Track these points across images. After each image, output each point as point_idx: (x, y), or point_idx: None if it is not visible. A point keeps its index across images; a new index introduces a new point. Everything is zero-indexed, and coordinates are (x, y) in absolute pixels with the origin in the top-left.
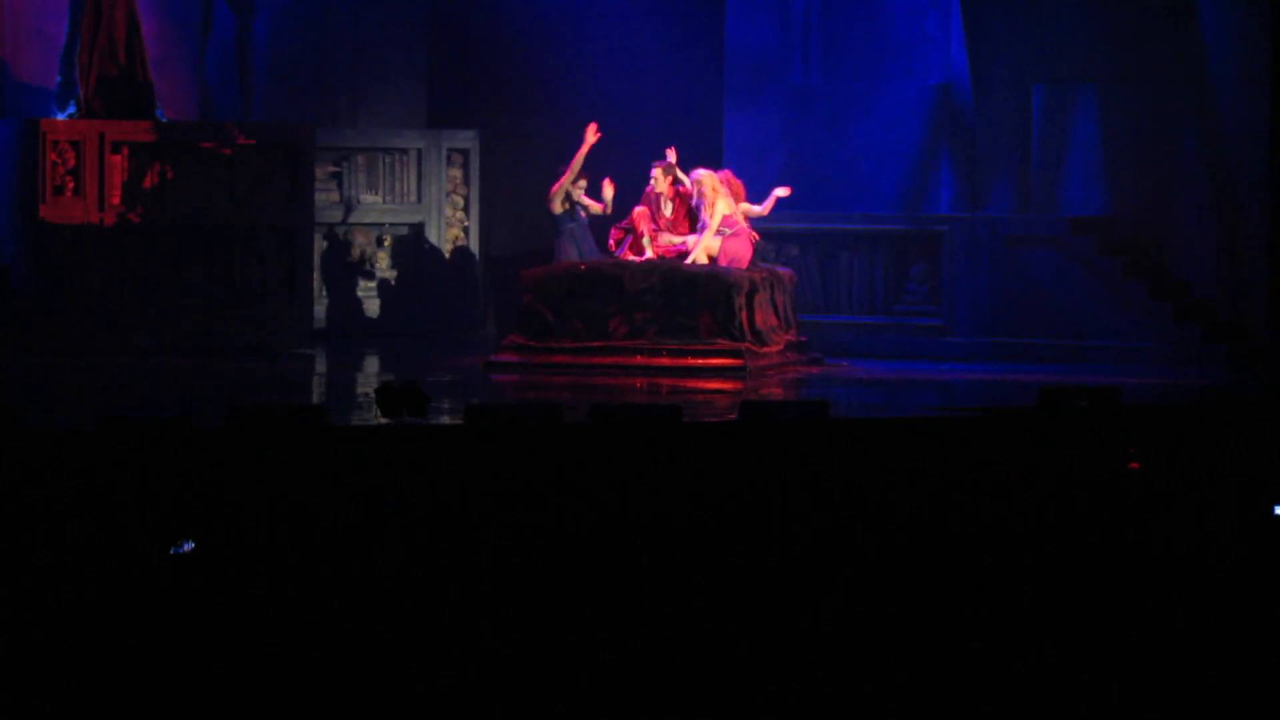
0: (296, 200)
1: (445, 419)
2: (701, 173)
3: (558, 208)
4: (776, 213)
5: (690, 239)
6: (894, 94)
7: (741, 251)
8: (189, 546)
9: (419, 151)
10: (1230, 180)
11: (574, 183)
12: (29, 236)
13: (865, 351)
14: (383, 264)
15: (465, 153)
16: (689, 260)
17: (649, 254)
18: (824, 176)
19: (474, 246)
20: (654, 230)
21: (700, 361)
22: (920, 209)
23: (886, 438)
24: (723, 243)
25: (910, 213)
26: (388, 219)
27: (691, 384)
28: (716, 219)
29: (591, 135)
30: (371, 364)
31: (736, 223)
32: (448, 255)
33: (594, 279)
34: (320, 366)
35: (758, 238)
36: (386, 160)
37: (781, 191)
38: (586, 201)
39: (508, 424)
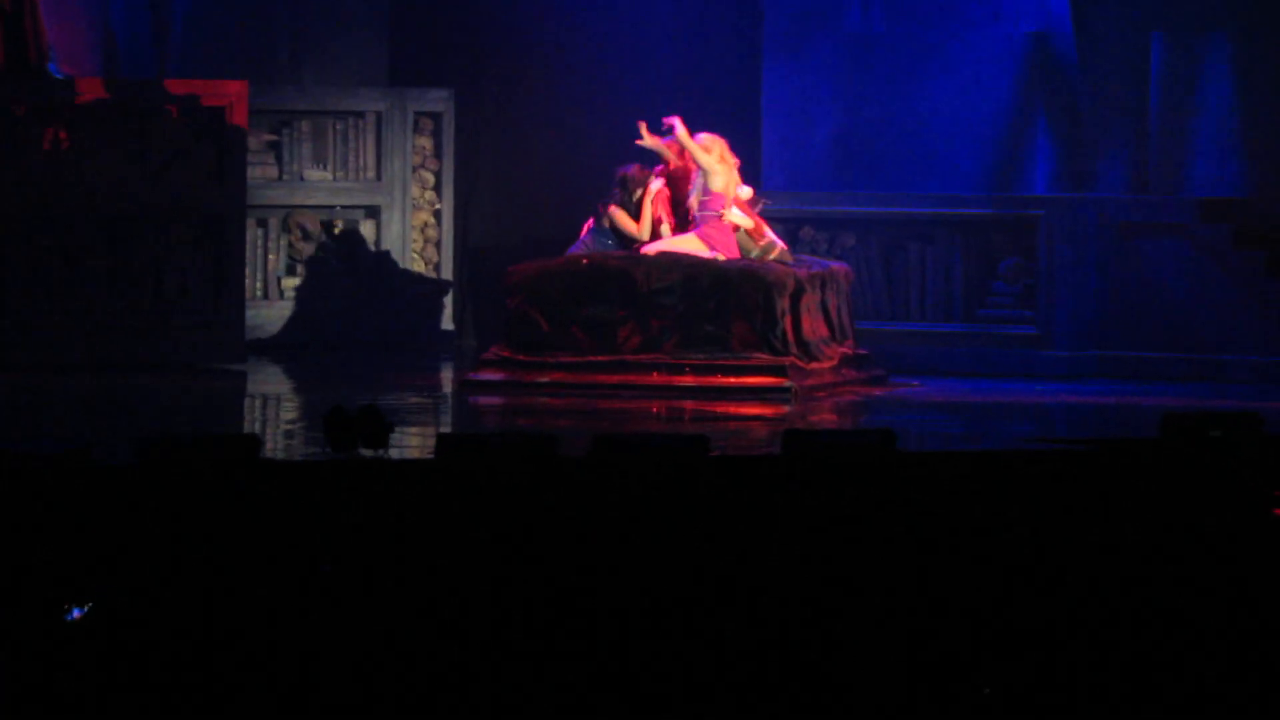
0: (225, 178)
1: (411, 452)
2: (707, 137)
3: (605, 224)
4: (826, 192)
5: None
6: (976, 44)
7: (728, 245)
8: (79, 613)
9: (379, 115)
10: None
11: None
12: None
13: (941, 367)
14: (333, 258)
15: (437, 117)
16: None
17: (667, 246)
18: (888, 148)
19: (447, 235)
20: (672, 220)
21: (733, 380)
22: (1010, 189)
23: (969, 477)
24: (702, 229)
25: (997, 194)
26: (339, 201)
27: (722, 409)
28: (731, 191)
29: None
30: (319, 383)
31: (721, 206)
32: (415, 246)
33: (599, 276)
34: (254, 386)
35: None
36: (338, 127)
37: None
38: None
39: (490, 459)
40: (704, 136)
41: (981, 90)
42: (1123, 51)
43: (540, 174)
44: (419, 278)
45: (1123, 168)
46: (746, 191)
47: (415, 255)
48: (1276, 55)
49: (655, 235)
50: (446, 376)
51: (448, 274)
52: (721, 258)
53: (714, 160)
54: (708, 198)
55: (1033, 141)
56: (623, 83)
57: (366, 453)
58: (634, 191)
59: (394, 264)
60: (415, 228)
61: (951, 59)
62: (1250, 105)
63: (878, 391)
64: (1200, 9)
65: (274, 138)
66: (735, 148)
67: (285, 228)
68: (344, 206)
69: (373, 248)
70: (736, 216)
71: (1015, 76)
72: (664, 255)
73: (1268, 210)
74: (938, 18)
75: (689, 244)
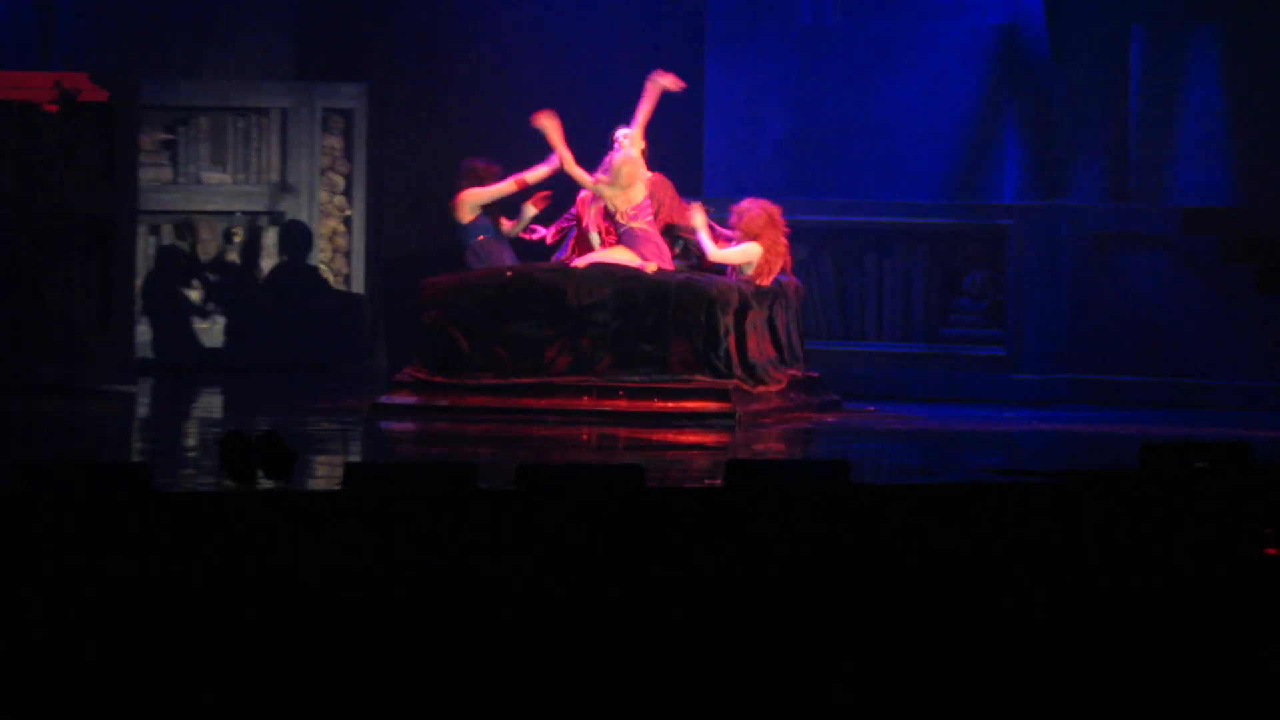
0: (114, 180)
1: (317, 483)
2: (627, 132)
3: (466, 215)
4: (778, 200)
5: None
6: (939, 37)
7: (661, 254)
8: None
9: (284, 112)
10: None
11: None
12: None
13: (900, 392)
14: (233, 269)
15: (348, 115)
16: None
17: (599, 257)
18: (843, 151)
19: (358, 244)
20: (606, 226)
21: (672, 405)
22: (976, 195)
23: (927, 511)
24: (636, 239)
25: (962, 201)
26: (240, 206)
27: (659, 436)
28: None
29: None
30: (215, 407)
31: (647, 214)
32: (323, 256)
33: (524, 290)
34: (144, 410)
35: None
36: (239, 125)
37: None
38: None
39: (403, 490)
40: (622, 134)
41: (945, 88)
42: (1100, 46)
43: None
44: (327, 291)
45: (1099, 173)
46: (699, 218)
47: (323, 266)
48: (1267, 50)
49: (579, 229)
50: (356, 400)
51: (359, 287)
52: (653, 267)
53: (632, 168)
54: (633, 208)
55: (1001, 144)
56: (553, 79)
57: (267, 483)
58: (484, 180)
59: (300, 276)
60: (323, 236)
61: (912, 54)
62: (1239, 105)
63: (830, 418)
64: (1186, 0)
65: (169, 136)
66: (675, 150)
67: (180, 235)
68: (245, 212)
69: (276, 258)
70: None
71: (982, 73)
72: (596, 267)
73: (1257, 220)
74: (897, 8)
75: (619, 255)
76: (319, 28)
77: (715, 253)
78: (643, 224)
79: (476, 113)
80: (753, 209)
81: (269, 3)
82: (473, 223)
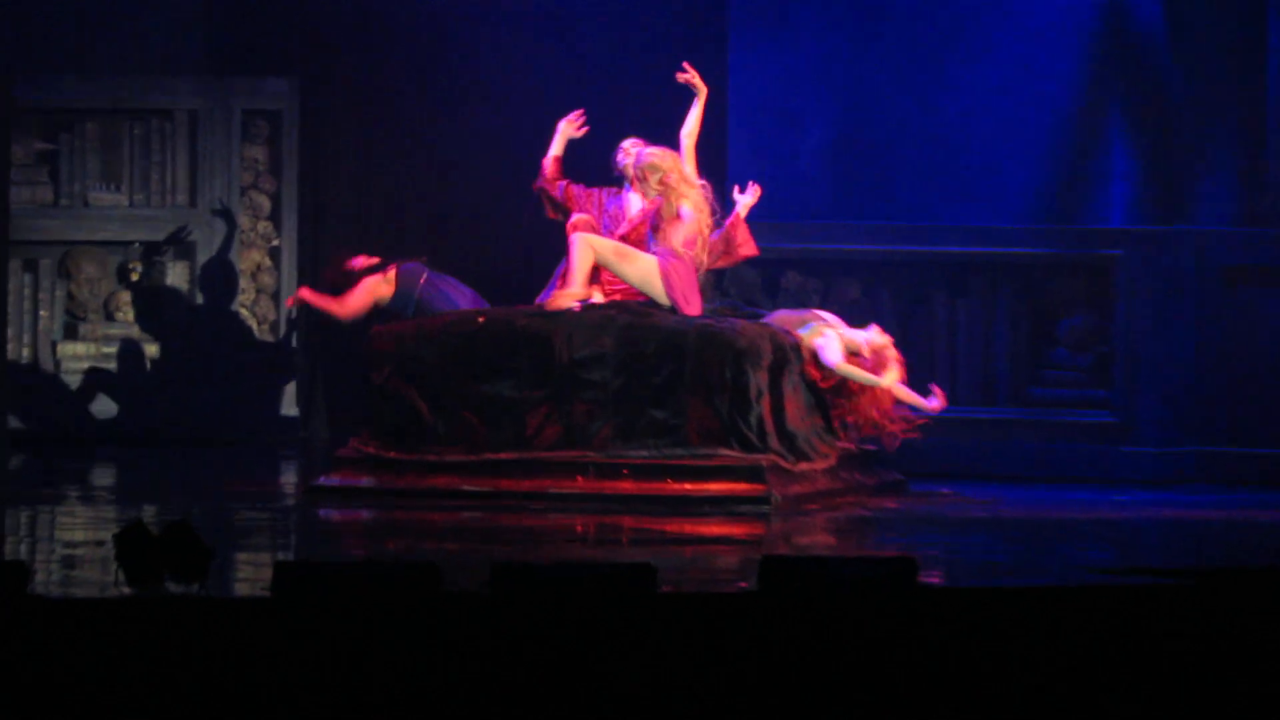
0: None
1: (239, 587)
2: (653, 152)
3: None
4: (819, 223)
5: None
6: (1028, 17)
7: (689, 285)
8: None
9: (193, 115)
10: None
11: None
12: None
13: (980, 470)
14: (129, 313)
15: (274, 118)
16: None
17: (597, 297)
18: (904, 161)
19: (289, 283)
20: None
21: (690, 487)
22: (1075, 219)
23: (1018, 622)
24: (661, 266)
25: (1058, 226)
26: (138, 235)
27: (674, 526)
28: (688, 222)
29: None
30: (111, 490)
31: (692, 237)
32: (245, 298)
33: (501, 341)
34: (20, 493)
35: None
36: (137, 131)
37: (747, 199)
38: None
39: (348, 595)
40: (648, 154)
41: (1034, 81)
42: (1230, 27)
43: (418, 197)
44: (250, 343)
45: (1230, 190)
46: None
47: (245, 311)
48: None
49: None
50: (289, 480)
51: (290, 338)
52: (670, 309)
53: (669, 179)
54: (674, 226)
55: (1106, 153)
56: (532, 71)
57: (176, 587)
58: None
59: (215, 324)
60: (245, 273)
61: (992, 36)
62: None
63: (892, 503)
64: None
65: (49, 146)
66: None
67: (63, 272)
68: (144, 243)
69: (186, 300)
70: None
71: (1082, 61)
72: (594, 310)
73: None
74: None
75: (643, 268)
76: (236, 9)
77: (842, 366)
78: (671, 245)
79: (435, 114)
80: (655, 154)
81: None
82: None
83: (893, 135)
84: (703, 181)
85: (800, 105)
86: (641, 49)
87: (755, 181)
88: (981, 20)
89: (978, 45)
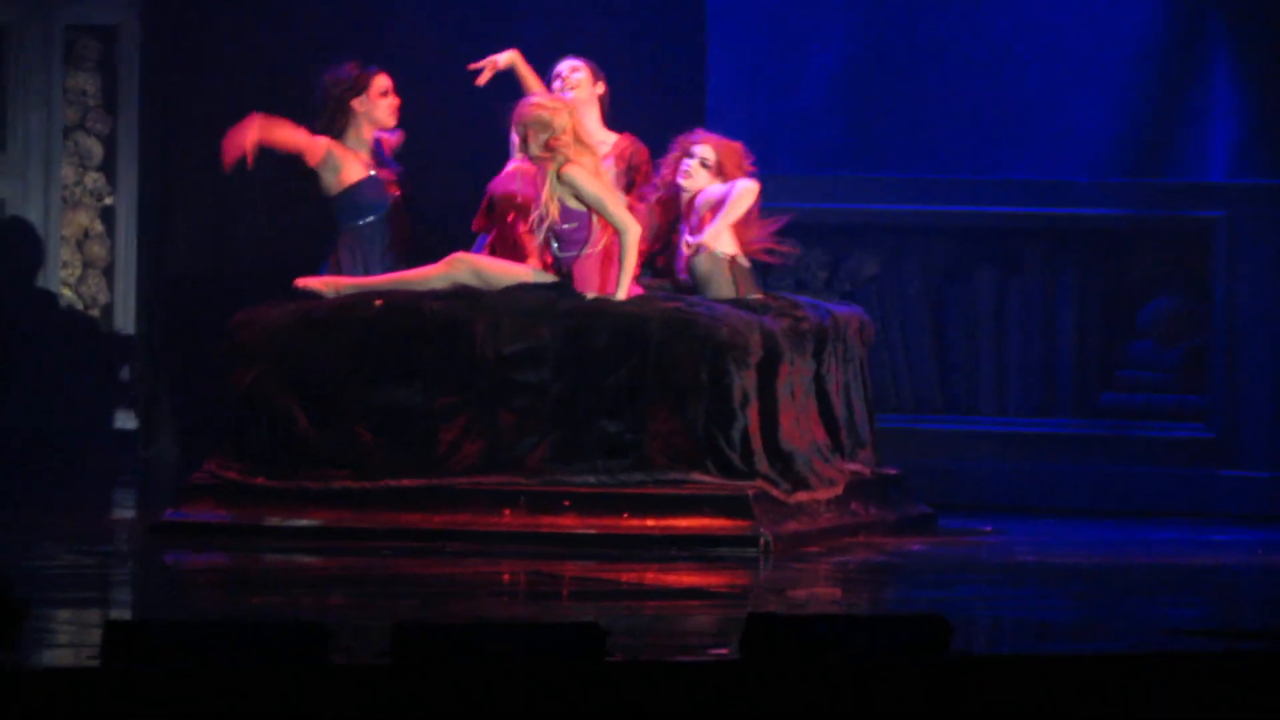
0: None
1: (60, 656)
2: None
3: (338, 174)
4: (826, 176)
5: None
6: None
7: (603, 284)
8: None
9: (1, 34)
10: None
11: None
12: None
13: (1034, 501)
14: None
15: (108, 37)
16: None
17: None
18: (937, 95)
19: (126, 255)
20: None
21: (652, 524)
22: (1163, 170)
23: (1081, 697)
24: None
25: (1140, 179)
26: None
27: (632, 576)
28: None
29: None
30: None
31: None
32: (68, 273)
33: (404, 331)
34: None
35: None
36: None
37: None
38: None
39: (203, 663)
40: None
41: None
42: None
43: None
44: (76, 331)
45: None
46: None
47: (67, 290)
48: None
49: (505, 230)
50: (125, 513)
51: (126, 325)
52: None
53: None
54: (569, 226)
55: (1205, 84)
56: (463, 31)
57: None
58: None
59: (28, 307)
60: (68, 239)
61: None
62: None
63: (917, 544)
64: None
65: None
66: (665, 94)
67: None
68: None
69: None
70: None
71: None
72: (527, 293)
73: None
74: None
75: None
76: None
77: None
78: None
79: (320, 31)
80: (709, 136)
81: None
82: (354, 188)
83: (924, 59)
84: (624, 139)
85: (803, 19)
86: None
87: (741, 128)
88: None
89: None
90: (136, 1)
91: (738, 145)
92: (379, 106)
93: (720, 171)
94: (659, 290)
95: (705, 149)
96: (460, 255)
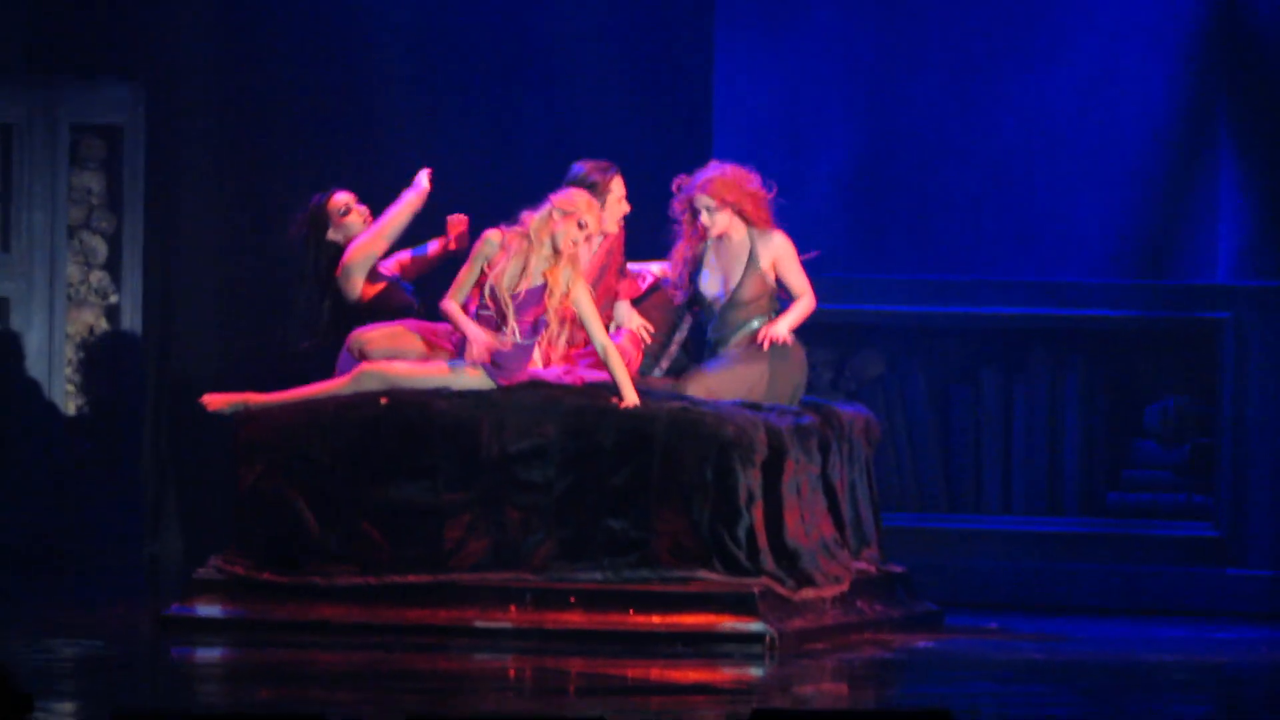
0: None
1: None
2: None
3: (358, 285)
4: (832, 277)
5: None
6: (1111, 5)
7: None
8: None
9: (7, 132)
10: None
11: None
12: None
13: (1041, 600)
14: None
15: (113, 135)
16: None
17: (538, 366)
18: (945, 195)
19: (131, 352)
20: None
21: (658, 620)
22: (1168, 272)
23: None
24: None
25: (1147, 281)
26: None
27: (638, 672)
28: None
29: (424, 186)
30: None
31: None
32: (73, 372)
33: (411, 429)
34: None
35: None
36: None
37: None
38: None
39: None
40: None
41: (1118, 89)
42: None
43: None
44: (80, 429)
45: None
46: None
47: (70, 388)
48: None
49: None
50: (132, 608)
51: (132, 425)
52: (631, 398)
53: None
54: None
55: (1210, 186)
56: (436, 70)
57: None
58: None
59: (31, 406)
60: (73, 337)
61: (1064, 33)
62: None
63: (923, 641)
64: None
65: None
66: (661, 187)
67: None
68: None
69: None
70: None
71: (1180, 65)
72: (533, 391)
73: None
74: None
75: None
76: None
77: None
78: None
79: (328, 126)
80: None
81: None
82: (379, 296)
83: (930, 162)
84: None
85: (809, 123)
86: (597, 31)
87: None
88: (1049, 14)
89: (1043, 45)
90: (140, 102)
91: (729, 176)
92: (349, 224)
93: (726, 203)
94: (661, 390)
95: (702, 199)
96: (367, 367)
